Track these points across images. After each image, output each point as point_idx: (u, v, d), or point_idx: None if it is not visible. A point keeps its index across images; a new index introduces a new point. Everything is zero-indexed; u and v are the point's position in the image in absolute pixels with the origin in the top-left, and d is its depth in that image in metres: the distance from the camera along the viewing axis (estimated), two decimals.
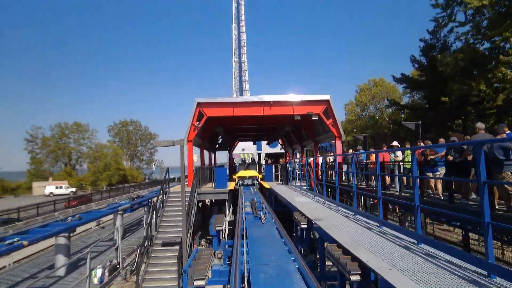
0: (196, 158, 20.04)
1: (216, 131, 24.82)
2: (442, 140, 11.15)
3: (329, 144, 34.52)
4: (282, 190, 15.17)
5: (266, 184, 20.12)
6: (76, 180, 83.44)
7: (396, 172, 12.67)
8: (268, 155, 59.35)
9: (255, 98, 19.99)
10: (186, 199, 15.26)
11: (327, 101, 19.99)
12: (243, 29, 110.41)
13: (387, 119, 40.92)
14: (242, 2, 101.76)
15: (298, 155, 40.16)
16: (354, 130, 41.83)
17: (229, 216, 19.79)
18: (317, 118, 20.14)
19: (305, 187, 17.32)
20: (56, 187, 69.71)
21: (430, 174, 10.28)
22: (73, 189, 70.96)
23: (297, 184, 18.13)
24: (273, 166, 23.26)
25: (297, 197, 12.35)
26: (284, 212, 19.12)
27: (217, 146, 36.63)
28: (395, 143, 13.24)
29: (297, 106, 20.08)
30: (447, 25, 24.84)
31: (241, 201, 14.07)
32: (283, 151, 51.21)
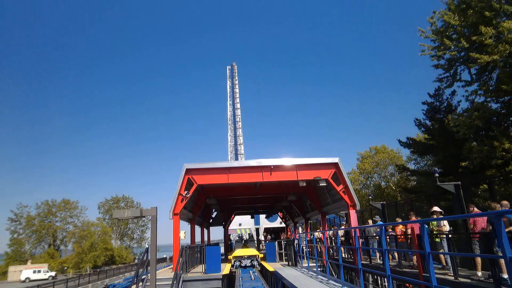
0: (183, 234, 16.71)
1: (209, 203, 21.75)
2: (501, 205, 8.28)
3: (335, 216, 31.18)
4: (293, 275, 11.78)
5: (269, 266, 16.50)
6: (58, 262, 76.60)
7: (444, 246, 9.60)
8: (267, 230, 54.93)
9: (253, 162, 17.44)
10: None
11: (335, 164, 17.46)
12: (238, 105, 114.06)
13: (393, 187, 38.21)
14: (237, 82, 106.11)
15: (300, 229, 36.42)
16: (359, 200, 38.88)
17: None
18: (325, 184, 17.40)
19: (317, 269, 13.88)
20: (34, 271, 63.21)
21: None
22: (53, 273, 64.33)
23: (307, 265, 14.67)
24: (276, 242, 19.77)
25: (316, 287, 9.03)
26: None
27: (211, 221, 33.04)
28: (436, 208, 10.36)
29: (302, 171, 17.47)
30: (453, 85, 23.64)
31: None
32: (283, 225, 47.22)
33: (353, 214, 16.97)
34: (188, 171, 17.08)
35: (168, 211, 16.73)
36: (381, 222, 17.61)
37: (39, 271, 63.30)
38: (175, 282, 12.43)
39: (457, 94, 28.22)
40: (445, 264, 10.66)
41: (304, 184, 17.60)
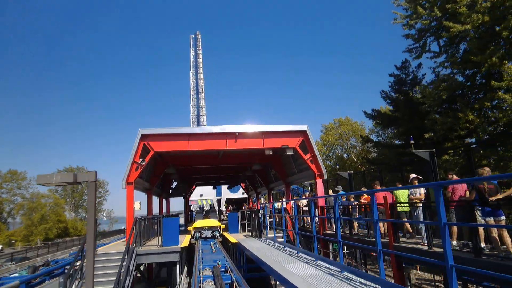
0: (138, 205, 15.27)
1: (168, 172, 20.28)
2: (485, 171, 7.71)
3: (298, 187, 30.94)
4: (256, 247, 10.89)
5: (231, 238, 15.63)
6: (5, 235, 71.95)
7: (419, 215, 9.11)
8: (228, 201, 54.41)
9: (217, 129, 16.11)
10: (122, 263, 10.48)
11: (304, 132, 16.60)
12: (201, 75, 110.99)
13: (355, 159, 38.68)
14: (200, 52, 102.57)
15: (262, 200, 36.08)
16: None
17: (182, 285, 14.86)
18: (292, 153, 16.57)
19: (284, 240, 13.20)
20: None
21: (490, 220, 6.74)
22: None
23: (272, 236, 13.94)
24: (239, 213, 18.92)
25: (287, 261, 8.14)
26: (260, 280, 14.62)
27: (170, 191, 31.60)
28: (413, 175, 9.79)
29: (269, 139, 16.44)
30: (421, 56, 23.36)
31: (198, 266, 9.60)
32: (245, 196, 46.82)
33: (319, 184, 16.39)
34: (144, 137, 15.44)
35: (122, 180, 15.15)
36: (342, 192, 17.29)
37: None
38: (126, 257, 11.15)
39: (423, 67, 28.28)
40: (412, 232, 10.31)
41: (271, 153, 16.64)
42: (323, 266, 7.37)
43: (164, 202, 30.75)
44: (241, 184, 40.51)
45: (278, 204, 25.65)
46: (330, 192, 20.85)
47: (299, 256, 8.77)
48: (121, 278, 10.26)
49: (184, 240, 15.05)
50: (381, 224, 11.86)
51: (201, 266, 9.39)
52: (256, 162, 20.42)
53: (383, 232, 11.54)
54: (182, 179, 28.98)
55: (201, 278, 7.75)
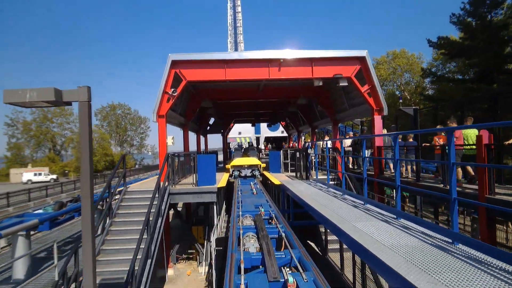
0: (171, 140, 13.90)
1: (204, 106, 18.58)
2: None
3: (345, 126, 28.40)
4: (307, 192, 9.08)
5: (273, 178, 14.03)
6: (59, 166, 77.53)
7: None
8: (267, 140, 53.18)
9: (258, 54, 13.73)
10: (152, 203, 9.26)
11: (362, 59, 13.82)
12: (239, 8, 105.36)
13: (408, 97, 34.65)
14: None
15: (303, 139, 34.19)
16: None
17: (220, 227, 13.89)
18: (346, 84, 13.99)
19: (344, 186, 11.38)
20: (35, 174, 63.72)
21: None
22: (54, 176, 65.00)
23: (319, 179, 12.15)
24: (282, 151, 17.17)
25: (356, 218, 6.27)
26: (308, 229, 13.17)
27: (208, 128, 30.45)
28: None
29: (319, 67, 13.88)
30: None
31: (237, 212, 8.06)
32: (285, 134, 45.11)
33: (378, 121, 13.93)
34: (174, 63, 13.50)
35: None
36: (418, 131, 14.79)
37: (39, 174, 63.89)
38: (157, 195, 9.89)
39: None
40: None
41: (320, 84, 14.19)
42: (414, 229, 5.41)
43: (202, 139, 29.81)
44: (281, 123, 38.61)
45: (322, 144, 23.61)
46: (384, 131, 18.39)
47: (369, 210, 6.82)
48: (150, 219, 9.07)
49: (222, 179, 13.69)
50: (459, 169, 9.65)
51: (240, 212, 7.82)
52: (301, 96, 18.04)
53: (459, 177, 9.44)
54: (220, 115, 27.45)
55: (241, 231, 6.13)
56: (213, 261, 10.36)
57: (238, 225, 6.69)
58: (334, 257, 11.05)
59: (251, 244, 5.46)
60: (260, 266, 4.87)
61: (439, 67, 33.92)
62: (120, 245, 9.22)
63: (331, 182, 12.57)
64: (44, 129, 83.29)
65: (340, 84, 13.98)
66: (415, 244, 4.56)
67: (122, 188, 11.41)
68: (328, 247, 11.32)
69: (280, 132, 48.12)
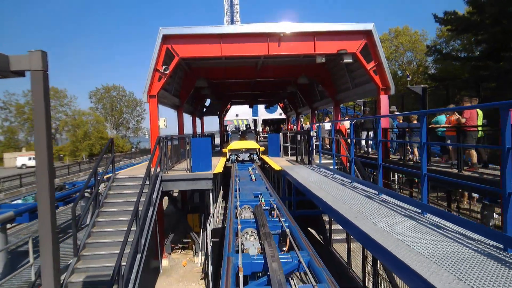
0: (163, 122, 12.96)
1: (199, 85, 17.53)
2: None
3: (347, 107, 27.46)
4: (311, 180, 8.14)
5: (273, 163, 13.17)
6: (54, 150, 76.34)
7: None
8: (265, 122, 52.12)
9: (256, 28, 12.64)
10: (141, 191, 8.43)
11: (368, 34, 12.79)
12: None
13: (411, 76, 33.46)
14: None
15: (302, 121, 33.30)
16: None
17: (217, 215, 13.15)
18: (350, 61, 13.00)
19: (353, 172, 10.57)
20: (29, 158, 62.82)
21: None
22: None
23: (319, 163, 11.34)
24: (281, 134, 16.28)
25: (372, 212, 5.48)
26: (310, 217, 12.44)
27: (204, 110, 29.42)
28: None
29: (321, 42, 12.84)
30: None
31: (234, 202, 7.24)
32: (283, 116, 44.09)
33: (384, 101, 13.01)
34: (166, 38, 12.42)
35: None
36: (437, 109, 13.89)
37: (34, 158, 62.71)
38: (147, 183, 9.06)
39: None
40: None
41: (323, 60, 13.17)
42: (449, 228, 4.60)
43: (198, 122, 28.82)
44: (279, 104, 37.58)
45: (325, 125, 22.73)
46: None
47: (387, 202, 5.99)
48: (140, 208, 8.26)
49: (218, 164, 12.84)
50: (473, 151, 8.85)
51: (238, 203, 6.99)
52: (302, 75, 16.99)
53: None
54: (216, 96, 26.36)
55: (239, 226, 5.32)
56: (209, 252, 9.62)
57: (235, 220, 5.86)
58: (339, 248, 10.33)
59: (251, 244, 4.65)
60: (262, 272, 4.07)
61: (443, 45, 32.74)
62: (108, 238, 8.43)
63: (336, 167, 11.80)
64: None
65: (344, 61, 12.98)
66: (452, 248, 3.75)
67: (111, 174, 10.56)
68: (332, 237, 10.58)
69: (278, 114, 47.11)
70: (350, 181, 7.55)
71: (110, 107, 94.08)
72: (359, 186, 7.18)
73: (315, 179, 8.27)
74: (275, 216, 6.29)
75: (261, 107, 46.71)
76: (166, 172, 10.85)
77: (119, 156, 65.82)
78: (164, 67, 12.41)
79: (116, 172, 10.96)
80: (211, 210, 10.97)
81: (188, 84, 18.16)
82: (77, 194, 11.00)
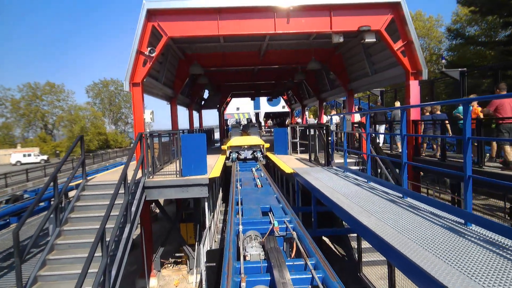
0: (150, 115, 10.82)
1: (194, 72, 15.35)
2: None
3: (359, 98, 25.20)
4: (342, 191, 5.91)
5: (283, 164, 10.95)
6: (51, 146, 74.52)
7: None
8: (267, 115, 49.79)
9: (260, 1, 10.45)
10: (112, 203, 6.38)
11: (395, 7, 10.59)
12: None
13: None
14: None
15: (307, 114, 31.08)
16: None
17: (214, 228, 11.10)
18: (374, 40, 10.81)
19: (350, 167, 8.45)
20: (24, 155, 60.86)
21: None
22: (45, 157, 62.25)
23: (339, 162, 9.24)
24: (289, 128, 14.12)
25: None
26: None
27: (202, 102, 27.25)
28: None
29: (339, 17, 10.64)
30: None
31: (234, 225, 5.16)
32: (286, 109, 41.86)
33: (414, 87, 10.86)
34: (151, 14, 10.27)
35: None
36: (472, 96, 11.96)
37: (29, 155, 61.08)
38: (122, 191, 6.97)
39: None
40: None
41: (341, 40, 10.96)
42: None
43: (196, 115, 26.67)
44: (283, 96, 35.38)
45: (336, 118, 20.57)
46: (398, 103, 15.39)
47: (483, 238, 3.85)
48: (110, 226, 6.20)
49: (216, 166, 10.71)
50: (508, 148, 7.42)
51: (240, 227, 4.90)
52: (313, 59, 14.80)
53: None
54: (215, 87, 24.20)
55: (243, 283, 3.21)
56: (204, 280, 7.56)
57: (236, 264, 3.76)
58: (370, 273, 8.12)
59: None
60: None
61: (460, 30, 30.35)
62: (69, 268, 6.38)
63: (355, 167, 9.68)
64: (34, 108, 79.74)
65: (366, 40, 10.80)
66: None
67: (80, 181, 8.48)
68: (362, 260, 8.38)
69: (281, 107, 44.92)
70: (401, 195, 5.35)
71: (108, 102, 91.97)
72: (417, 204, 5.03)
73: (345, 189, 6.12)
74: (294, 252, 4.22)
75: (263, 100, 44.51)
76: (151, 177, 8.75)
77: (116, 152, 63.95)
78: (149, 48, 10.25)
79: (89, 178, 8.86)
80: (207, 223, 8.90)
81: (182, 72, 16.01)
82: (46, 202, 8.83)
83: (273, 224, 4.96)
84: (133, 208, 7.49)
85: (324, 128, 9.54)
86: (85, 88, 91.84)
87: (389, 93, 18.22)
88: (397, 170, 8.14)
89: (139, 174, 8.43)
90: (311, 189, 6.77)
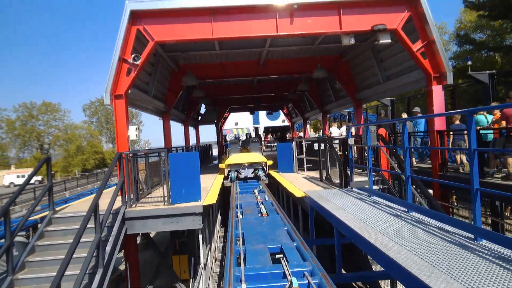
0: (135, 132, 9.39)
1: (186, 83, 14.02)
2: None
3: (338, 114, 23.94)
4: (372, 224, 4.51)
5: (292, 186, 9.38)
6: (45, 166, 72.73)
7: None
8: (266, 130, 48.33)
9: None
10: (76, 242, 4.94)
11: (412, 2, 9.33)
12: None
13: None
14: None
15: (309, 128, 29.72)
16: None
17: (211, 263, 9.54)
18: (389, 41, 9.52)
19: (369, 187, 6.96)
20: (18, 176, 59.20)
21: None
22: (39, 178, 60.51)
23: (358, 181, 7.79)
24: (294, 143, 12.67)
25: None
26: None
27: (199, 118, 25.94)
28: None
29: (350, 16, 9.36)
30: None
31: (232, 278, 3.63)
32: (286, 123, 40.52)
33: (438, 93, 9.49)
34: (135, 16, 8.99)
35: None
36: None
37: (23, 176, 59.35)
38: (92, 225, 5.49)
39: None
40: None
41: (352, 41, 9.64)
42: None
43: (193, 132, 25.32)
44: (283, 111, 34.15)
45: (333, 132, 19.24)
46: (404, 115, 14.02)
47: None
48: (74, 273, 4.68)
49: (212, 189, 9.18)
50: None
51: (243, 285, 3.40)
52: (319, 66, 13.48)
53: None
54: (212, 100, 22.90)
55: None
56: None
57: None
58: None
59: None
60: None
61: (469, 36, 29.34)
62: None
63: (375, 187, 8.18)
64: (30, 127, 78.61)
65: (381, 41, 9.50)
66: None
67: (47, 212, 6.99)
68: None
69: (281, 121, 43.65)
70: (474, 236, 3.79)
71: (105, 120, 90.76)
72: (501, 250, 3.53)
73: (383, 224, 4.52)
74: None
75: (262, 115, 43.27)
76: (134, 206, 7.24)
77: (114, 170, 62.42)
78: (133, 55, 8.92)
79: (55, 209, 7.36)
80: (201, 259, 7.35)
81: (176, 85, 14.71)
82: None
83: (290, 281, 3.47)
84: (108, 247, 5.98)
85: (341, 142, 8.09)
86: (82, 106, 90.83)
87: (398, 103, 16.85)
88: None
89: (119, 203, 6.96)
90: (334, 223, 5.26)
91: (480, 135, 8.57)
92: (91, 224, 5.54)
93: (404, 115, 13.72)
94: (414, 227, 4.46)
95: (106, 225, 6.39)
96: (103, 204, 6.27)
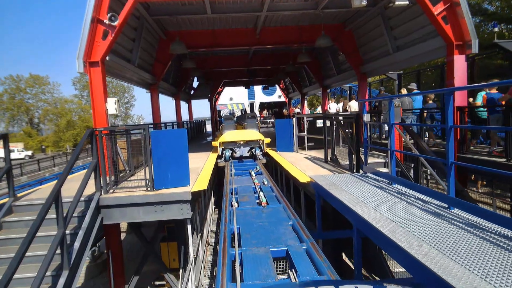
0: (114, 104, 8.19)
1: (176, 52, 12.67)
2: None
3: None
4: (416, 231, 3.64)
5: (295, 170, 8.21)
6: (37, 141, 71.43)
7: None
8: (262, 106, 46.86)
9: None
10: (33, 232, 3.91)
11: None
12: None
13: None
14: None
15: (306, 104, 28.56)
16: None
17: (204, 256, 8.66)
18: (406, 3, 8.30)
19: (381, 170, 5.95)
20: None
21: None
22: (29, 153, 59.21)
23: (371, 163, 6.81)
24: (294, 119, 11.57)
25: None
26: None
27: (192, 92, 24.59)
28: None
29: None
30: None
31: None
32: (282, 99, 39.20)
33: (460, 63, 8.37)
34: None
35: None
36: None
37: (12, 151, 57.77)
38: (53, 216, 4.46)
39: None
40: None
41: (364, 3, 8.39)
42: None
43: (185, 106, 24.06)
44: (279, 85, 32.82)
45: (332, 107, 18.12)
46: (403, 91, 12.90)
47: None
48: (31, 275, 3.69)
49: (203, 172, 8.10)
50: None
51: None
52: (322, 34, 12.17)
53: None
54: (205, 73, 21.52)
55: None
56: None
57: None
58: None
59: None
60: None
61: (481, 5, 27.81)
62: None
63: (383, 169, 7.19)
64: (18, 101, 76.13)
65: (397, 3, 8.30)
66: None
67: (6, 199, 5.93)
68: None
69: (277, 96, 42.30)
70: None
71: None
72: None
73: (423, 227, 3.60)
74: None
75: (257, 89, 41.80)
76: (111, 192, 6.20)
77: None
78: (109, 15, 7.62)
79: (17, 196, 6.29)
80: (191, 252, 6.42)
81: (164, 55, 13.35)
82: None
83: None
84: (77, 244, 4.98)
85: (354, 119, 6.99)
86: (72, 80, 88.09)
87: (407, 77, 15.65)
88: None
89: (92, 189, 5.91)
90: (356, 223, 4.22)
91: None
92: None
93: (404, 91, 12.63)
94: (463, 231, 3.48)
95: (75, 215, 5.39)
96: (74, 191, 5.24)
